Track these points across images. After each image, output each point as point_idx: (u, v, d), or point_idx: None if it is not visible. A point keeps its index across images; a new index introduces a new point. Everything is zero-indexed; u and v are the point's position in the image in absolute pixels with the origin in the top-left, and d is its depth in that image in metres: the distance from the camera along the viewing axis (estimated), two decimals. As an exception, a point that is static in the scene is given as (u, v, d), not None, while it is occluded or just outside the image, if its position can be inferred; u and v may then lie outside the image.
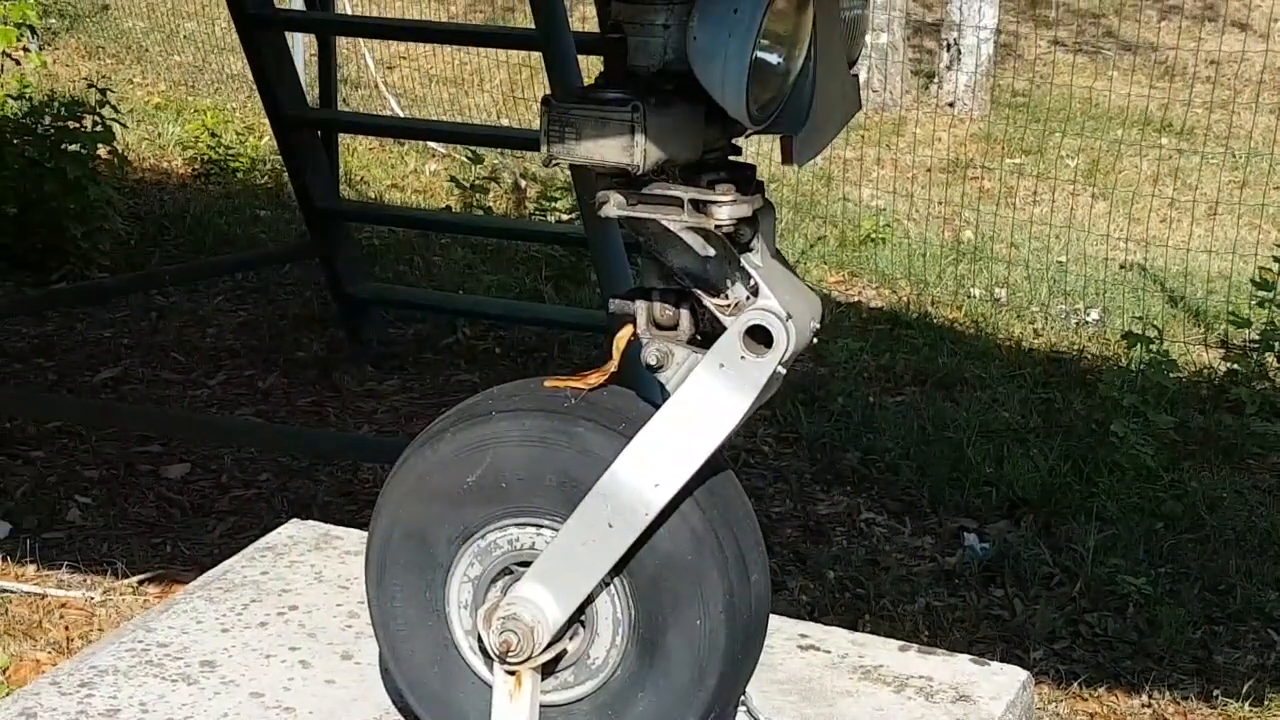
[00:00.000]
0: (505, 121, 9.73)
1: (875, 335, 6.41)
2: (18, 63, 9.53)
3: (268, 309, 6.55)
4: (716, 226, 2.18)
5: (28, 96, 8.68)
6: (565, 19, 4.49)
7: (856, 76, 2.40)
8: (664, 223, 2.24)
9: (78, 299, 6.28)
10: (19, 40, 9.60)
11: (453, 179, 7.94)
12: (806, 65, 2.17)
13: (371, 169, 8.86)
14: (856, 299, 7.08)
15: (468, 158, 8.08)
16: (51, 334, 6.13)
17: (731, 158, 2.34)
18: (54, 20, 12.20)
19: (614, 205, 2.27)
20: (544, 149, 2.23)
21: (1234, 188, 9.07)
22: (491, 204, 7.68)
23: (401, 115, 9.87)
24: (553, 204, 7.28)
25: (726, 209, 2.18)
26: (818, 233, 7.95)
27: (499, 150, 8.38)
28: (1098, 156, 9.54)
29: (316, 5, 5.85)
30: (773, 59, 2.11)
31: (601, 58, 4.73)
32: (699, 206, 2.20)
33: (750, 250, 2.28)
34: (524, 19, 12.32)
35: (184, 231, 7.50)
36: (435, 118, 9.91)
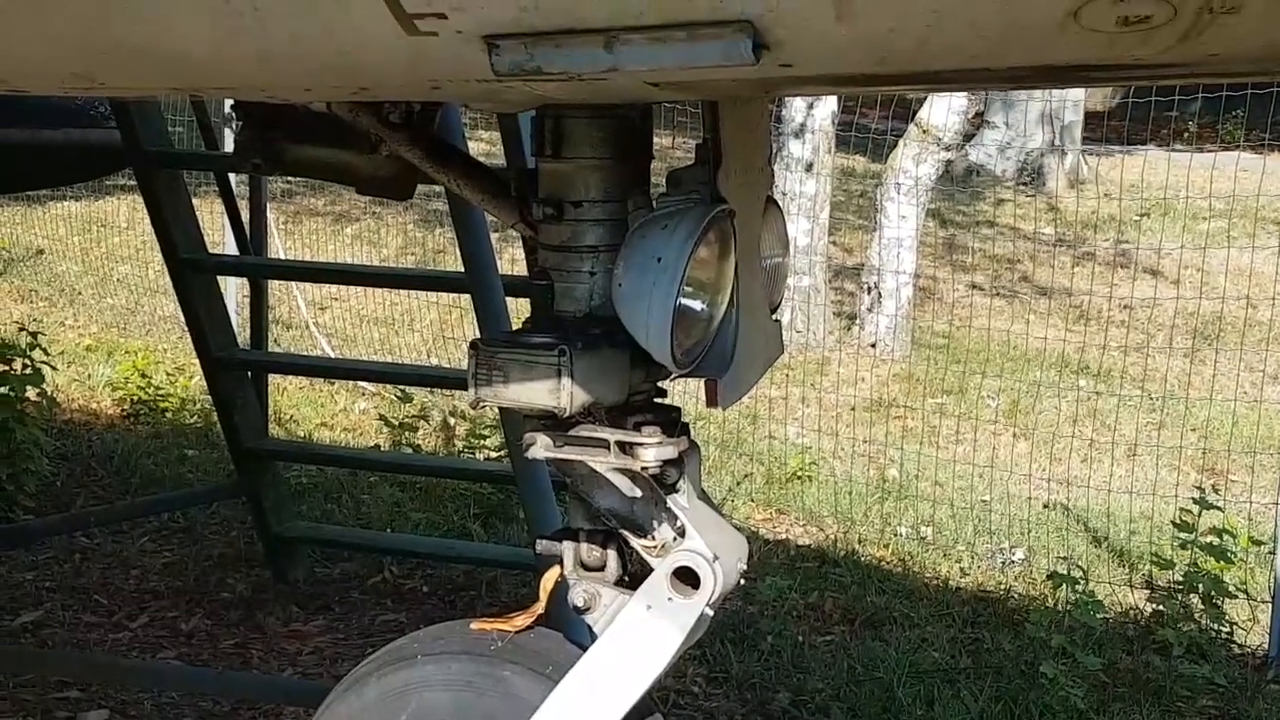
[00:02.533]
0: (435, 360, 9.82)
1: (803, 573, 6.42)
2: (-51, 305, 9.57)
3: (193, 549, 6.48)
4: (643, 468, 2.21)
5: (-42, 340, 8.69)
6: (493, 263, 4.59)
7: (779, 321, 2.48)
8: (591, 464, 2.27)
9: (2, 541, 6.18)
10: (-49, 283, 9.67)
11: (382, 417, 7.97)
12: (729, 311, 2.23)
13: (301, 407, 8.87)
14: (784, 536, 7.11)
15: (397, 396, 8.13)
16: (-30, 578, 6.03)
17: (657, 399, 2.38)
18: (-13, 264, 12.29)
19: (541, 447, 2.30)
20: (472, 391, 2.27)
21: (1152, 429, 9.27)
22: (420, 442, 7.70)
23: (332, 355, 9.93)
24: (481, 441, 7.31)
25: (653, 451, 2.21)
26: (744, 470, 8.02)
27: (428, 389, 8.43)
28: (1018, 397, 9.74)
29: (250, 249, 5.93)
30: (696, 305, 2.17)
31: (529, 300, 4.84)
32: (625, 449, 2.23)
33: (676, 491, 2.31)
34: (454, 261, 12.52)
35: (111, 472, 7.45)
36: (366, 357, 9.99)
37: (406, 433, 7.56)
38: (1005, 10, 1.52)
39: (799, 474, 7.91)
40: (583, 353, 2.18)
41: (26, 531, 6.26)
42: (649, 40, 1.67)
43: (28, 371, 6.95)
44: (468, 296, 4.75)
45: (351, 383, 9.11)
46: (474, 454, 7.24)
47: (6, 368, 6.89)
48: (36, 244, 13.30)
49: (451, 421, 8.06)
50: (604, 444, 2.24)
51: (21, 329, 7.32)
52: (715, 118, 2.16)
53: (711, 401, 2.22)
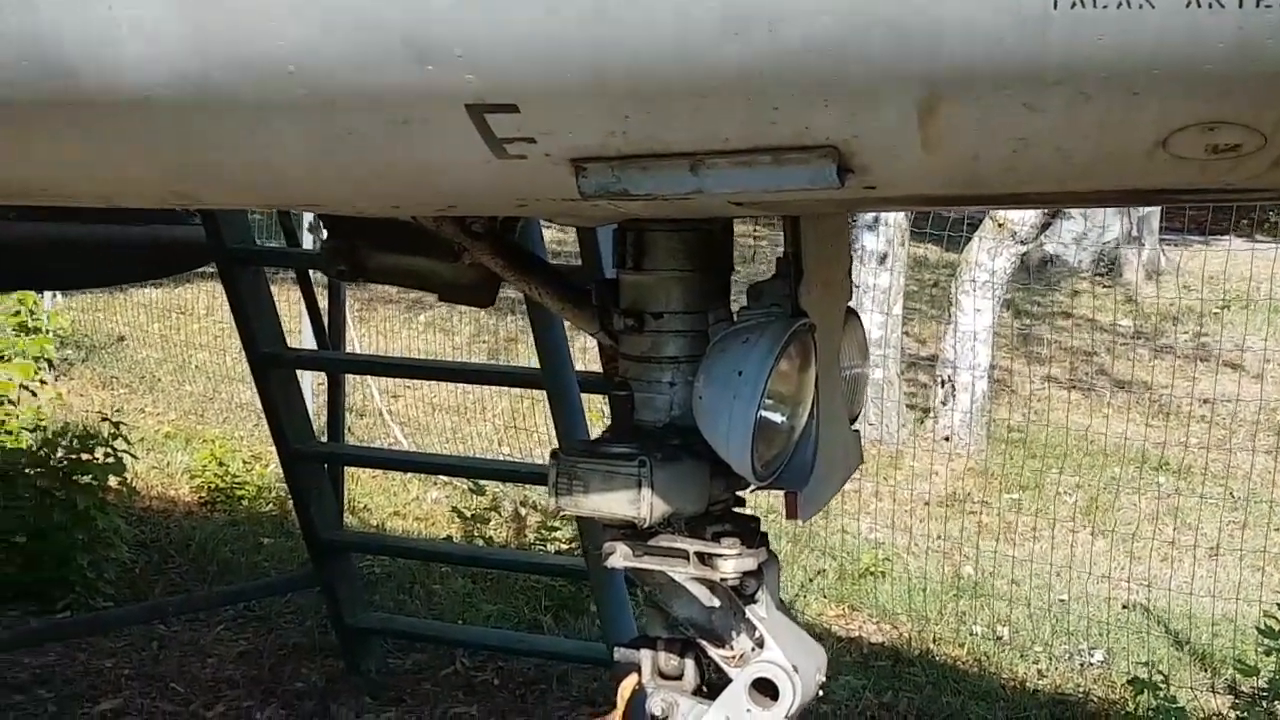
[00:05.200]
0: (506, 449, 9.86)
1: (877, 672, 6.35)
2: (34, 394, 9.72)
3: (268, 638, 6.51)
4: (722, 579, 2.21)
5: (43, 427, 8.83)
6: (569, 360, 4.63)
7: (858, 432, 2.48)
8: (670, 574, 2.27)
9: (81, 630, 6.26)
10: (36, 373, 9.84)
11: (455, 509, 8.01)
12: (809, 423, 2.23)
13: (374, 496, 8.93)
14: (857, 634, 7.04)
15: (470, 489, 8.16)
16: (53, 664, 6.08)
17: (736, 509, 2.39)
18: (70, 351, 12.49)
19: (620, 556, 2.31)
20: (553, 501, 2.28)
21: (1234, 529, 9.11)
22: (492, 533, 7.72)
23: (405, 443, 10.01)
24: (553, 533, 7.33)
25: (732, 563, 2.21)
26: (817, 565, 7.97)
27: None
28: (1095, 494, 9.62)
29: (328, 343, 6.02)
30: (777, 418, 2.17)
31: (604, 396, 4.86)
32: (705, 559, 2.23)
33: (755, 602, 2.31)
34: (526, 350, 12.61)
35: (188, 559, 7.53)
36: (438, 445, 10.05)
37: (479, 524, 7.59)
38: (1092, 139, 1.53)
39: (872, 570, 7.84)
40: (663, 463, 2.19)
41: (107, 620, 6.33)
42: (734, 164, 1.69)
43: (110, 460, 7.05)
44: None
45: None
46: (545, 546, 7.25)
47: (89, 456, 7.00)
48: (118, 331, 13.53)
49: (523, 512, 8.08)
50: (683, 554, 2.25)
51: (105, 418, 7.44)
52: (796, 232, 2.18)
53: (791, 514, 2.22)
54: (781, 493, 2.28)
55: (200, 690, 5.94)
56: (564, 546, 7.15)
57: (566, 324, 4.74)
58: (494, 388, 10.69)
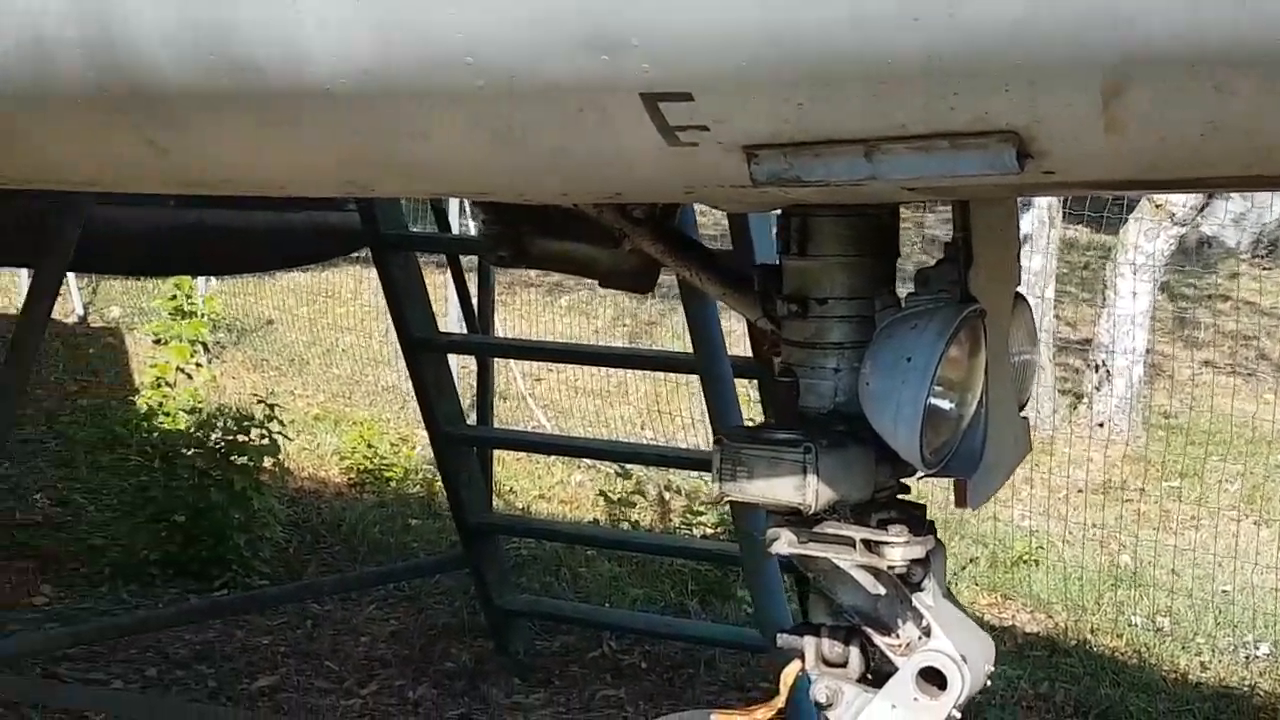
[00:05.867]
0: (649, 433, 9.88)
1: (1032, 661, 6.26)
2: (189, 376, 9.98)
3: (418, 618, 6.62)
4: (889, 567, 2.20)
5: (198, 409, 9.08)
6: (723, 345, 4.62)
7: (1026, 419, 2.45)
8: (835, 561, 2.26)
9: (241, 608, 6.42)
10: (191, 355, 10.11)
11: (601, 493, 8.05)
12: (979, 410, 2.21)
13: (519, 479, 9.01)
14: (1010, 622, 6.94)
15: (616, 472, 8.18)
16: (213, 640, 6.24)
17: (901, 496, 2.37)
18: (222, 334, 12.78)
19: (784, 543, 2.31)
20: (716, 486, 2.29)
21: (1404, 515, 8.82)
22: (637, 517, 7.75)
23: (548, 426, 10.08)
24: (698, 517, 7.34)
25: (900, 550, 2.20)
26: (968, 553, 7.87)
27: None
28: (1258, 482, 9.37)
29: (477, 327, 6.09)
30: (946, 405, 2.15)
31: (755, 381, 4.85)
32: (871, 546, 2.22)
33: (921, 590, 2.29)
34: (666, 333, 12.64)
35: (340, 539, 7.67)
36: (580, 429, 10.11)
37: (624, 508, 7.63)
38: (1285, 121, 1.49)
39: (1025, 558, 7.72)
40: (828, 450, 2.19)
41: (265, 598, 6.48)
42: (910, 150, 1.68)
43: (264, 442, 7.22)
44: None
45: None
46: (691, 530, 7.26)
47: (245, 437, 7.17)
48: (267, 315, 13.81)
49: (667, 496, 8.10)
50: (849, 541, 2.24)
51: (260, 400, 7.62)
52: (966, 216, 2.16)
53: (961, 502, 2.20)
54: (940, 479, 2.26)
55: (354, 668, 6.06)
56: (710, 531, 7.16)
57: (720, 308, 4.75)
58: (636, 371, 10.76)
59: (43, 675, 5.75)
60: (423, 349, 5.75)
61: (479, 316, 6.04)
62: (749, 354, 4.77)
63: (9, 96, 2.00)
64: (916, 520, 2.27)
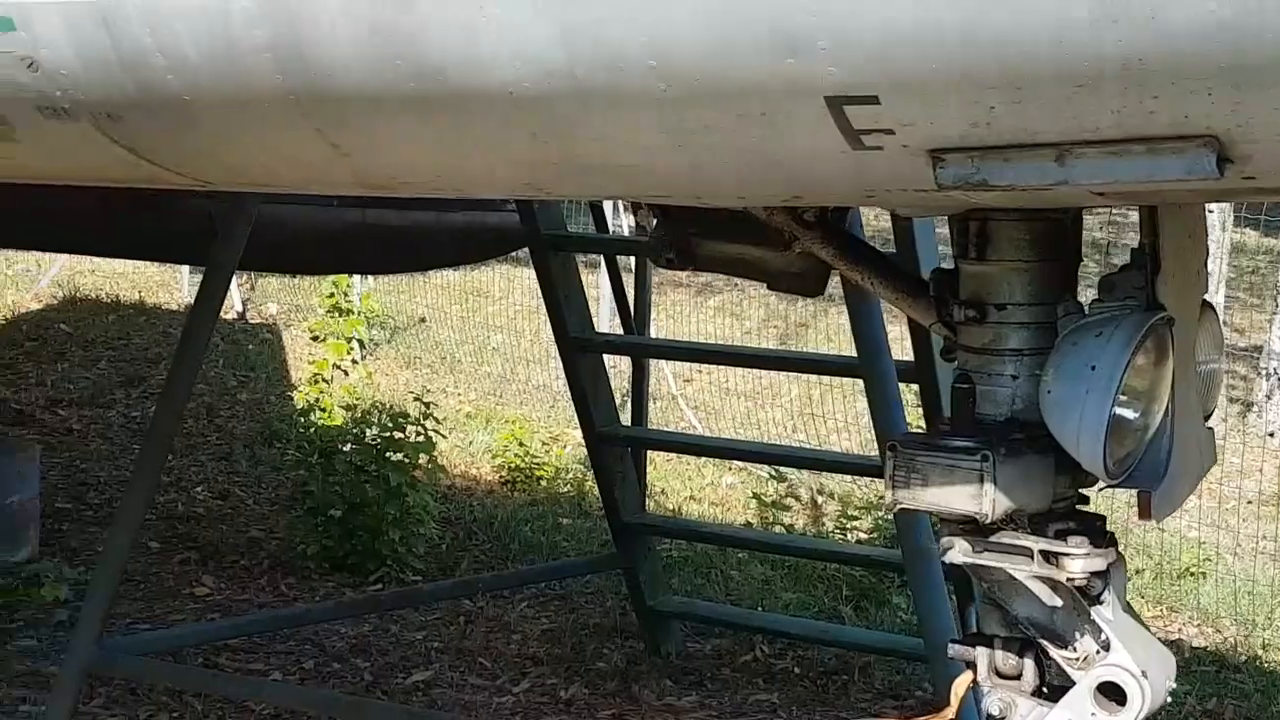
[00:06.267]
0: (800, 436, 9.82)
1: (1200, 677, 6.09)
2: (345, 373, 10.15)
3: (570, 617, 6.65)
4: (1069, 579, 2.15)
5: (354, 405, 9.23)
6: (887, 348, 4.56)
7: (1212, 430, 2.38)
8: (1011, 572, 2.23)
9: (397, 603, 6.50)
10: (348, 352, 10.29)
11: (755, 496, 8.01)
12: (1164, 420, 2.15)
13: (669, 480, 9.01)
14: (1177, 636, 6.77)
15: (772, 475, 8.11)
16: (368, 634, 6.34)
17: (1080, 507, 2.32)
18: (376, 332, 12.98)
19: (959, 552, 2.27)
20: (889, 493, 2.26)
21: None
22: (790, 520, 7.71)
23: (698, 427, 10.06)
24: (852, 522, 7.27)
25: (1080, 562, 2.15)
26: (1133, 564, 7.67)
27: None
28: None
29: (634, 328, 6.10)
30: (1131, 414, 2.11)
31: (916, 385, 4.79)
32: (1050, 558, 2.18)
33: (1100, 603, 2.24)
34: (817, 335, 12.54)
35: (491, 537, 7.74)
36: (731, 430, 10.06)
37: (777, 511, 7.58)
38: None
39: (1192, 570, 7.51)
40: (1006, 459, 2.15)
41: (422, 594, 6.56)
42: (1104, 154, 1.64)
43: (420, 439, 7.31)
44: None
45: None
46: (845, 535, 7.20)
47: (401, 434, 7.26)
48: (419, 313, 13.98)
49: (819, 500, 8.04)
50: (1027, 552, 2.20)
51: (416, 398, 7.71)
52: (1154, 223, 2.10)
53: (1145, 514, 2.15)
54: (1121, 490, 2.21)
55: (506, 666, 6.11)
56: (864, 536, 7.09)
57: (884, 311, 4.69)
58: (787, 374, 10.69)
59: (204, 664, 5.88)
60: (580, 349, 5.78)
61: (635, 317, 6.05)
62: (910, 357, 4.71)
63: (197, 98, 2.05)
64: (1097, 532, 2.22)
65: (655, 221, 2.81)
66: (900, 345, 5.04)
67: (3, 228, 5.98)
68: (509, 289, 13.60)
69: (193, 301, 11.74)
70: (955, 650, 2.41)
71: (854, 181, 1.90)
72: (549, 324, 5.88)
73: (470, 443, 9.77)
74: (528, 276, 12.66)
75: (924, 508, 2.22)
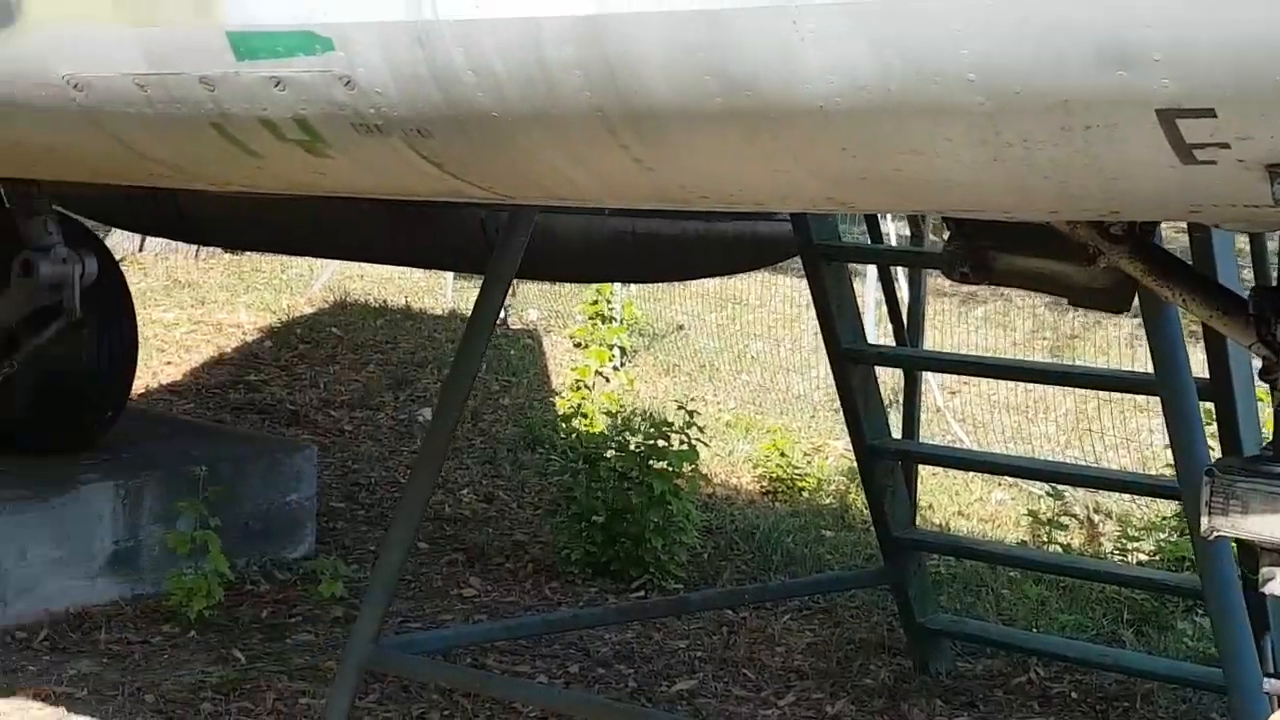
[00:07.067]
0: (1072, 453, 9.52)
1: None
2: (607, 379, 10.26)
3: (835, 631, 6.57)
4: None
5: (615, 412, 9.33)
6: (1187, 365, 4.34)
7: None
8: (1342, 609, 2.10)
9: (664, 611, 6.53)
10: (610, 359, 10.41)
11: (1030, 513, 7.79)
12: None
13: (935, 494, 8.84)
14: None
15: (1048, 492, 7.84)
16: (631, 641, 6.37)
17: None
18: (635, 339, 13.09)
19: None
20: (1205, 520, 2.16)
21: None
22: (1067, 539, 7.47)
23: (966, 441, 9.85)
24: (1133, 543, 7.01)
25: None
26: None
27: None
28: None
29: (906, 340, 6.00)
30: None
31: (1212, 404, 4.59)
32: (1383, 596, 2.04)
33: None
34: (1088, 347, 12.15)
35: (752, 547, 7.70)
36: (1000, 445, 9.80)
37: (1053, 529, 7.36)
38: None
39: None
40: (1335, 489, 2.02)
41: (689, 603, 6.57)
42: None
43: (684, 447, 7.33)
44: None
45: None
46: (1125, 557, 6.95)
47: (665, 442, 7.29)
48: (677, 320, 14.05)
49: (1095, 519, 7.78)
50: (1358, 589, 2.06)
51: (680, 406, 7.74)
52: None
53: None
54: None
55: (771, 678, 6.07)
56: (1144, 559, 6.83)
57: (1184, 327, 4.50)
58: (1058, 388, 10.36)
59: (471, 665, 6.00)
60: (851, 360, 5.71)
61: (909, 328, 5.95)
62: (1205, 375, 4.51)
63: (505, 114, 2.07)
64: None
65: (949, 235, 2.74)
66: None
67: (298, 236, 6.22)
68: (767, 296, 13.56)
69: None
70: (1270, 685, 2.29)
71: (1180, 197, 1.82)
72: (808, 333, 5.84)
73: (730, 451, 9.76)
74: (787, 284, 12.64)
75: (1243, 536, 2.12)
